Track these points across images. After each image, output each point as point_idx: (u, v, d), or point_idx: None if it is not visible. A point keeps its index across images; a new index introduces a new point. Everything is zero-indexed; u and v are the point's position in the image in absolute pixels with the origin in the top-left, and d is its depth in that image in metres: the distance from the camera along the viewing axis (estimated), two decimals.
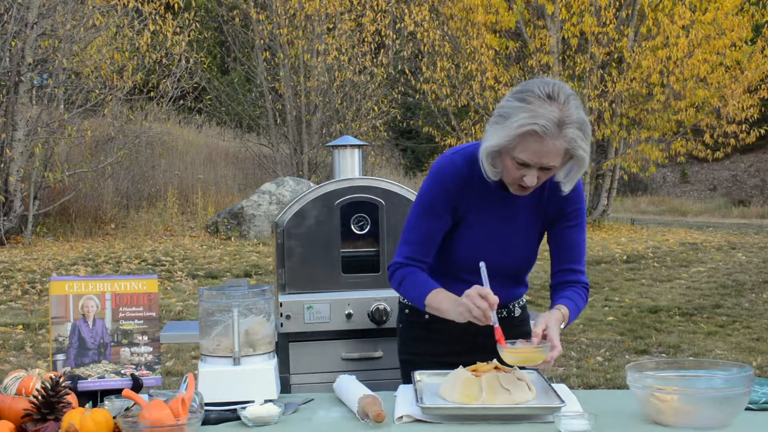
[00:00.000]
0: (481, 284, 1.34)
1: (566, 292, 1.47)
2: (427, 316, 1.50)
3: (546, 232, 1.51)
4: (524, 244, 1.48)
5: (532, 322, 1.61)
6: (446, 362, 1.44)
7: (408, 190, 1.95)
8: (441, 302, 1.39)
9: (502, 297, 1.47)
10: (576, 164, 1.34)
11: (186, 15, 9.47)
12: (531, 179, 1.33)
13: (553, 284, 1.52)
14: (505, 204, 1.44)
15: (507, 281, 1.51)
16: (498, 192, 1.43)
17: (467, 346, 1.51)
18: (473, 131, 11.06)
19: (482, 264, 1.36)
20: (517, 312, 1.58)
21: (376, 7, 10.90)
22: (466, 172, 1.41)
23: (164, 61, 9.30)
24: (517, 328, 1.55)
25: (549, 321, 1.35)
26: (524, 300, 1.61)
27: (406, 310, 1.56)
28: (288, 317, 1.83)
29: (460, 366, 1.34)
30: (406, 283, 1.45)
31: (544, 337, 1.31)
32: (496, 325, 1.29)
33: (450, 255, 1.47)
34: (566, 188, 1.40)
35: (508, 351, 1.28)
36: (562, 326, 1.38)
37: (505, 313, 1.54)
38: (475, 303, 1.28)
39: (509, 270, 1.50)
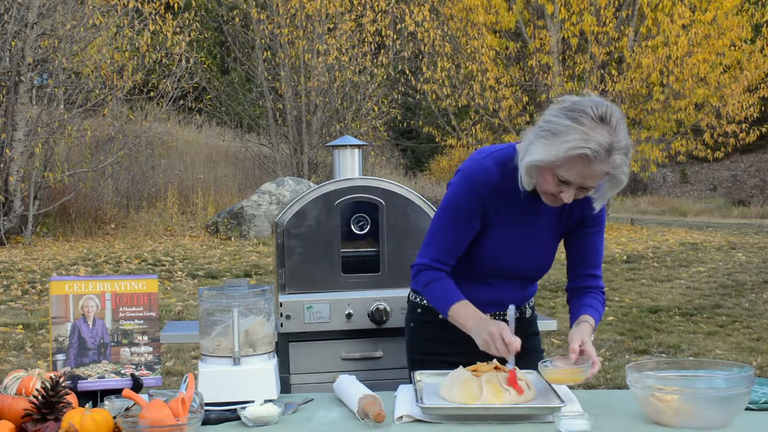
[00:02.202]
0: (512, 290, 1.36)
1: (588, 300, 1.49)
2: (441, 316, 1.50)
3: (564, 237, 1.52)
4: (546, 249, 1.49)
5: (539, 322, 1.63)
6: (457, 362, 1.43)
7: (408, 190, 1.95)
8: (467, 319, 1.39)
9: (517, 299, 1.50)
10: (613, 185, 1.34)
11: (186, 15, 9.48)
12: (568, 196, 1.34)
13: (571, 288, 1.53)
14: (532, 210, 1.45)
15: (524, 284, 1.53)
16: (526, 198, 1.43)
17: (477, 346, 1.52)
18: (473, 131, 11.05)
19: (512, 307, 1.37)
20: (528, 313, 1.59)
21: (376, 8, 10.90)
22: (498, 177, 1.41)
23: (164, 61, 9.30)
24: (527, 329, 1.56)
25: (584, 336, 1.37)
26: (533, 301, 1.63)
27: (419, 310, 1.55)
28: (288, 317, 1.83)
29: (460, 366, 1.34)
30: (433, 287, 1.44)
31: (581, 353, 1.34)
32: (512, 368, 1.31)
33: (473, 258, 1.47)
34: (597, 205, 1.41)
35: (551, 371, 1.31)
36: (592, 337, 1.41)
37: (518, 314, 1.54)
38: (495, 344, 1.31)
39: (528, 274, 1.51)
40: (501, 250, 1.45)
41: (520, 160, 1.35)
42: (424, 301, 1.54)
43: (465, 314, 1.39)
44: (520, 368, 1.32)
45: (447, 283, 1.44)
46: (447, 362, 1.45)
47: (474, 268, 1.47)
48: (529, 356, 1.51)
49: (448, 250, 1.44)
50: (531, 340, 1.58)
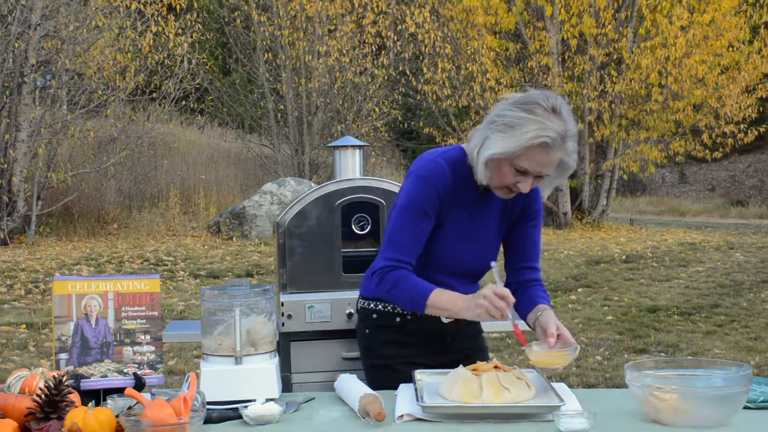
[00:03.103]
0: (465, 285, 1.41)
1: (536, 291, 1.52)
2: (398, 320, 1.52)
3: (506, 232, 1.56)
4: (493, 244, 1.53)
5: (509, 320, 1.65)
6: (417, 363, 1.45)
7: None
8: (452, 302, 1.39)
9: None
10: (563, 171, 1.40)
11: (188, 16, 9.49)
12: (525, 186, 1.38)
13: (513, 281, 1.56)
14: (480, 206, 1.49)
15: (472, 280, 1.56)
16: (476, 195, 1.47)
17: (436, 346, 1.54)
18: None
19: (494, 264, 1.40)
20: None
21: (376, 9, 10.90)
22: (450, 175, 1.44)
23: (166, 62, 9.32)
24: (472, 327, 1.60)
25: (557, 321, 1.39)
26: None
27: (374, 315, 1.54)
28: (289, 317, 1.84)
29: (461, 365, 1.35)
30: (401, 285, 1.43)
31: (558, 337, 1.36)
32: (515, 322, 1.33)
33: (425, 257, 1.48)
34: (545, 193, 1.49)
35: (539, 353, 1.32)
36: None
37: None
38: (493, 304, 1.31)
39: (477, 270, 1.54)
40: (454, 246, 1.47)
41: (477, 155, 1.39)
42: (379, 306, 1.53)
43: (448, 299, 1.39)
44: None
45: (414, 278, 1.43)
46: (409, 363, 1.46)
47: (428, 266, 1.48)
48: (477, 355, 1.54)
49: (410, 249, 1.44)
50: (477, 338, 1.61)
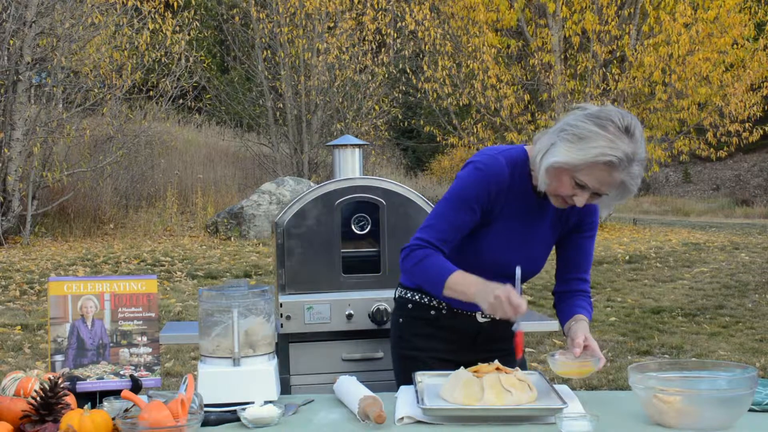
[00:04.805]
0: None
1: (578, 302, 1.52)
2: (433, 312, 1.51)
3: (558, 241, 1.54)
4: (542, 251, 1.51)
5: (541, 323, 1.64)
6: (446, 359, 1.45)
7: (409, 190, 1.94)
8: (468, 285, 1.38)
9: None
10: (623, 194, 1.37)
11: (185, 13, 9.46)
12: (581, 200, 1.37)
13: (561, 291, 1.56)
14: (534, 212, 1.47)
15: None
16: (530, 200, 1.45)
17: (469, 342, 1.54)
18: (475, 130, 11.04)
19: (518, 269, 1.39)
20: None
21: (376, 6, 10.88)
22: (508, 176, 1.42)
23: (164, 59, 9.29)
24: (508, 331, 1.57)
25: (586, 332, 1.41)
26: None
27: (409, 305, 1.55)
28: (288, 318, 1.82)
29: (461, 367, 1.34)
30: (426, 263, 1.41)
31: (585, 347, 1.37)
32: (518, 330, 1.34)
33: (471, 256, 1.47)
34: (603, 213, 1.48)
35: (562, 363, 1.34)
36: None
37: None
38: (503, 307, 1.32)
39: (523, 275, 1.51)
40: (500, 247, 1.46)
41: (540, 160, 1.37)
42: (416, 297, 1.54)
43: (466, 282, 1.39)
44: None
45: (440, 259, 1.42)
46: (439, 359, 1.46)
47: (473, 265, 1.47)
48: (508, 357, 1.54)
49: (446, 235, 1.43)
50: (511, 341, 1.60)
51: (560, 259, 1.56)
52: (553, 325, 1.96)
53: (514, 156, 1.44)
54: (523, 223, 1.46)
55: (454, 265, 1.42)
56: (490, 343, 1.55)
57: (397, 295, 1.60)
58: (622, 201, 1.40)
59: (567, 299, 1.53)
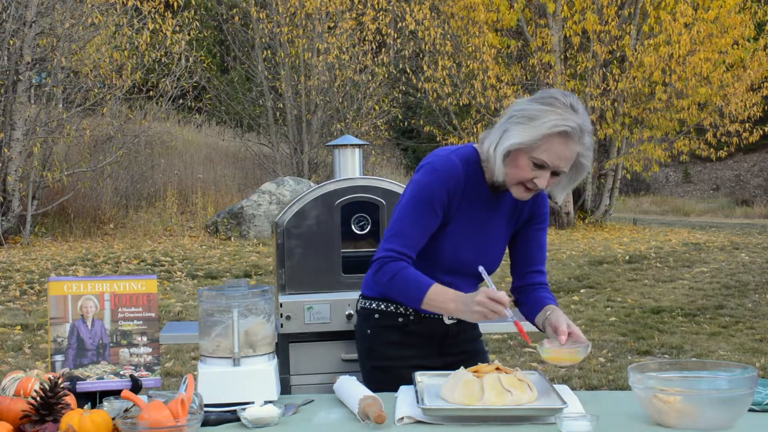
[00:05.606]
0: (470, 286, 1.41)
1: (544, 294, 1.52)
2: (401, 320, 1.51)
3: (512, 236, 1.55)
4: (500, 248, 1.53)
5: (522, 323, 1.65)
6: (421, 365, 1.45)
7: None
8: (446, 302, 1.38)
9: None
10: (578, 173, 1.41)
11: (186, 13, 9.46)
12: (542, 181, 1.38)
13: (520, 286, 1.56)
14: (489, 208, 1.48)
15: (475, 282, 1.55)
16: (485, 196, 1.46)
17: (438, 348, 1.54)
18: (475, 130, 11.04)
19: (481, 267, 1.40)
20: None
21: (376, 6, 10.88)
22: (463, 173, 1.44)
23: (164, 59, 9.29)
24: (471, 332, 1.59)
25: (567, 320, 1.40)
26: None
27: (376, 315, 1.53)
28: (288, 318, 1.82)
29: (462, 367, 1.34)
30: (400, 278, 1.41)
31: (569, 335, 1.37)
32: (515, 320, 1.34)
33: (433, 254, 1.47)
34: (559, 198, 1.47)
35: (551, 350, 1.34)
36: None
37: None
38: (489, 308, 1.32)
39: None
40: (459, 246, 1.46)
41: (494, 150, 1.39)
42: (381, 306, 1.52)
43: (443, 298, 1.39)
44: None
45: (414, 272, 1.42)
46: (411, 366, 1.44)
47: (433, 265, 1.47)
48: (476, 357, 1.54)
49: (413, 243, 1.43)
50: (477, 341, 1.60)
51: (515, 254, 1.56)
52: None
53: (467, 154, 1.45)
54: (480, 221, 1.47)
55: (415, 268, 1.43)
56: (458, 345, 1.56)
57: (359, 307, 1.57)
58: (578, 180, 1.43)
59: (529, 293, 1.53)
